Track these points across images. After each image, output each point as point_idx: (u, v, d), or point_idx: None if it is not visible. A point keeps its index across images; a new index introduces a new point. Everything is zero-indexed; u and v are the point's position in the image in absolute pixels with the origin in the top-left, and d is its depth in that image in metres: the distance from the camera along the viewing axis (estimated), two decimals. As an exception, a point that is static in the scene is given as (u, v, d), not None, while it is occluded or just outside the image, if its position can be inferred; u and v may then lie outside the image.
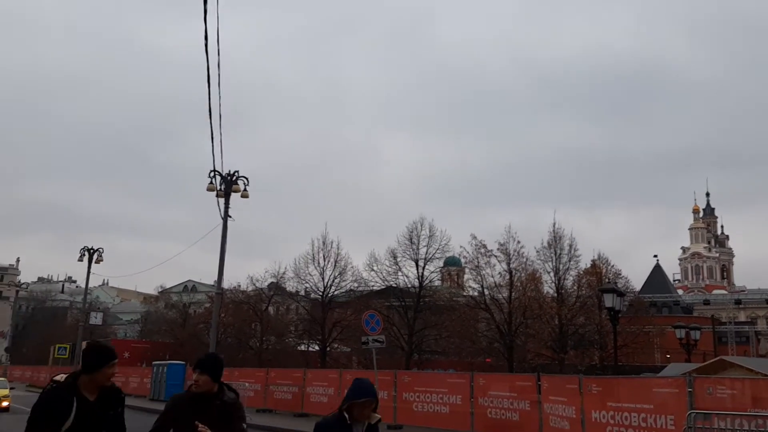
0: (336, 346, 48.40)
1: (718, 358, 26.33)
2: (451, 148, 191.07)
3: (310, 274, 46.60)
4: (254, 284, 51.87)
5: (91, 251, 38.60)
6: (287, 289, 52.16)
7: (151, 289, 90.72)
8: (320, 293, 46.43)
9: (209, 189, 23.23)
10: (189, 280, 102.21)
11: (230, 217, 24.18)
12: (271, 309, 54.78)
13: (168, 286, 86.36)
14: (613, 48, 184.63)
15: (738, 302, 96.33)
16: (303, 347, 50.05)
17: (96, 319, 57.91)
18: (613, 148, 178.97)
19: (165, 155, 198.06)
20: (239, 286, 53.80)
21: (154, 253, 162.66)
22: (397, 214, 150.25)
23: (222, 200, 23.87)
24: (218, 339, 29.80)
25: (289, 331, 53.84)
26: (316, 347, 47.41)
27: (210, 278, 78.05)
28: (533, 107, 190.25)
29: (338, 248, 46.30)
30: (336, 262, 46.13)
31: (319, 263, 46.13)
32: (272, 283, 51.93)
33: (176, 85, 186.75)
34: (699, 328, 40.75)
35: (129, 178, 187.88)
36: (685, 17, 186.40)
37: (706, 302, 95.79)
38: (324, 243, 46.24)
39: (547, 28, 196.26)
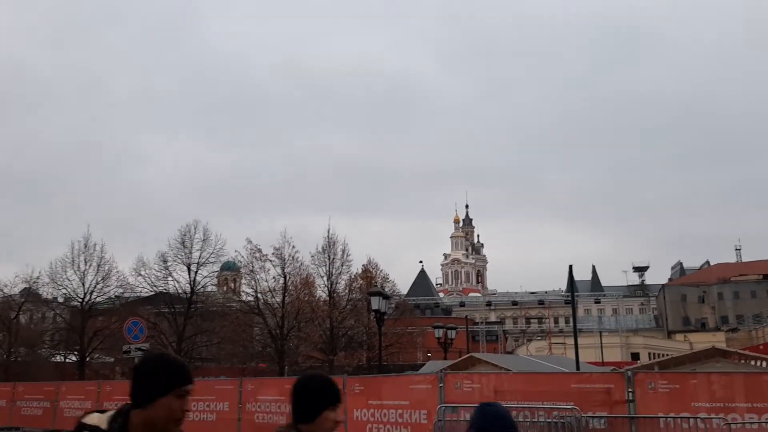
0: (97, 356, 45.34)
1: (468, 355, 28.80)
2: (226, 153, 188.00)
3: (69, 279, 43.10)
4: (2, 290, 46.94)
5: None
6: (42, 295, 47.85)
7: None
8: (80, 300, 43.23)
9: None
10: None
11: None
12: (22, 317, 49.84)
13: None
14: (382, 68, 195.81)
15: (489, 304, 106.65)
16: (59, 358, 46.34)
17: None
18: (383, 161, 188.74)
19: None
20: (-16, 292, 48.13)
21: None
22: (169, 217, 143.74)
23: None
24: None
25: (43, 341, 49.42)
26: (74, 358, 44.02)
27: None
28: (309, 117, 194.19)
29: (102, 251, 43.41)
30: (99, 266, 43.23)
31: (79, 267, 42.89)
32: (25, 289, 47.30)
33: None
34: (455, 328, 44.36)
35: None
36: (439, 44, 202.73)
37: (462, 304, 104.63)
38: (86, 245, 43.07)
39: (321, 42, 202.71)
